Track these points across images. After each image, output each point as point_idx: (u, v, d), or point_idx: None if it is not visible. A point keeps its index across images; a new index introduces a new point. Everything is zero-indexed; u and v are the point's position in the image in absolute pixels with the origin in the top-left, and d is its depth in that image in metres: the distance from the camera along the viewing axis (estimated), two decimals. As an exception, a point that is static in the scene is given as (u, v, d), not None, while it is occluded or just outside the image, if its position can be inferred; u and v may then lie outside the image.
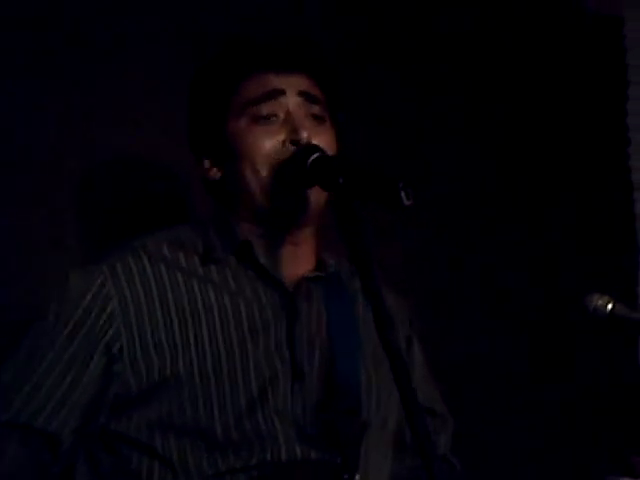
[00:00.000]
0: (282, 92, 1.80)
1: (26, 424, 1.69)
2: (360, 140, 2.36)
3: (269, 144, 1.78)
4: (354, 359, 1.81)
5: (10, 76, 2.13)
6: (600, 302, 1.79)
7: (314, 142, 1.76)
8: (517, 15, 2.76)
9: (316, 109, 1.82)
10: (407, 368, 1.53)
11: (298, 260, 1.83)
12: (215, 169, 1.85)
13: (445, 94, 2.65)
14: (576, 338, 2.67)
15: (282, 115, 1.80)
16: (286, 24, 2.37)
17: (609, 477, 1.76)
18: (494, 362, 2.60)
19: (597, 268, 2.71)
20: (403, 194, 1.51)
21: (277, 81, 1.81)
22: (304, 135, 1.76)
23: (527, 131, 2.77)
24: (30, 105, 2.16)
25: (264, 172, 1.77)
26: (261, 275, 1.80)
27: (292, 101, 1.81)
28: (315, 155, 1.71)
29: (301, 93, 1.81)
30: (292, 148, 1.76)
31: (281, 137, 1.78)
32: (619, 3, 2.86)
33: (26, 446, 1.69)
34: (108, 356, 1.72)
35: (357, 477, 1.74)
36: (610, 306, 1.77)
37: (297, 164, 1.72)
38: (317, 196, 1.76)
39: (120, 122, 2.24)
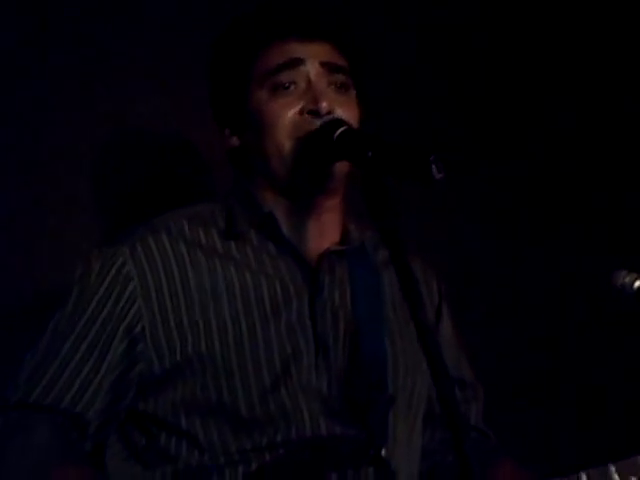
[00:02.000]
0: (302, 61, 1.76)
1: (51, 406, 1.66)
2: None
3: (288, 115, 1.74)
4: (379, 332, 1.78)
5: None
6: (628, 279, 1.75)
7: (336, 112, 1.72)
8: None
9: (340, 77, 1.78)
10: (437, 343, 1.49)
11: (322, 232, 1.79)
12: (235, 138, 1.82)
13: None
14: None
15: (303, 84, 1.76)
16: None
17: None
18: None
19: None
20: (434, 167, 1.47)
21: (298, 49, 1.77)
22: (323, 105, 1.71)
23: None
24: (41, 84, 2.13)
25: (286, 145, 1.73)
26: (283, 250, 1.77)
27: (313, 70, 1.76)
28: (342, 129, 1.66)
29: (323, 63, 1.77)
30: (310, 119, 1.71)
31: (300, 106, 1.73)
32: None
33: (54, 426, 1.66)
34: (130, 336, 1.70)
35: (383, 452, 1.71)
36: (638, 283, 1.74)
37: (323, 138, 1.68)
38: (342, 168, 1.72)
39: (137, 96, 2.22)
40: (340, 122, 1.69)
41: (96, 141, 2.18)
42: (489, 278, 2.59)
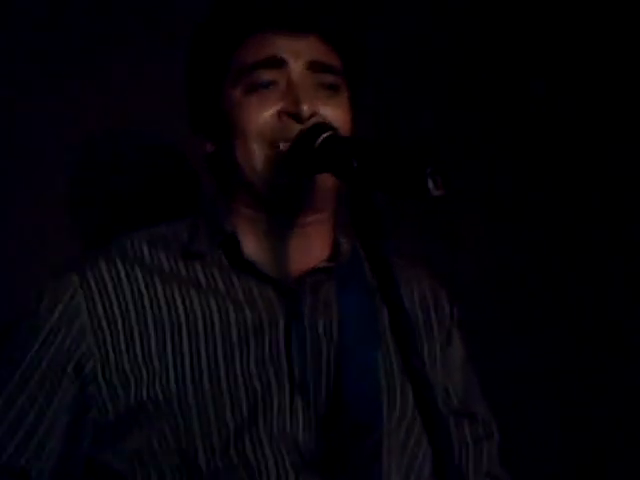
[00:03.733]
0: (284, 61, 1.49)
1: None
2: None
3: (262, 116, 1.47)
4: (371, 363, 1.51)
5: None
6: None
7: (322, 114, 1.47)
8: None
9: (329, 78, 1.51)
10: (428, 380, 1.24)
11: (305, 250, 1.53)
12: (209, 143, 1.57)
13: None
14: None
15: (284, 83, 1.49)
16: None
17: None
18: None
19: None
20: (431, 182, 1.20)
21: (281, 44, 1.50)
22: (305, 107, 1.45)
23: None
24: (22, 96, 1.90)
25: (258, 151, 1.48)
26: (253, 272, 1.52)
27: (297, 69, 1.50)
28: (326, 134, 1.41)
29: (310, 63, 1.50)
30: (290, 122, 1.46)
31: (278, 107, 1.47)
32: None
33: None
34: (80, 377, 1.47)
35: None
36: None
37: (303, 145, 1.42)
38: (326, 180, 1.46)
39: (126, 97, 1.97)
40: (324, 127, 1.43)
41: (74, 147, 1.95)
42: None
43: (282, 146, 1.46)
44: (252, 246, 1.52)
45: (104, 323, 1.47)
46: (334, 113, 1.48)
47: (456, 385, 1.63)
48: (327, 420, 1.46)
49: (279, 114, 1.47)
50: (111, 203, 1.96)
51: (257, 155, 1.47)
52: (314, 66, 1.50)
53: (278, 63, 1.49)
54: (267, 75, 1.48)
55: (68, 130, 1.91)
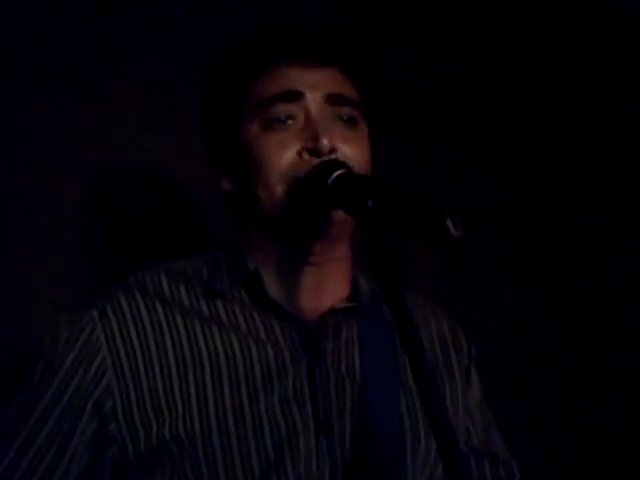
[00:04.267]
0: (301, 94, 1.46)
1: None
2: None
3: (284, 156, 1.44)
4: (394, 405, 1.47)
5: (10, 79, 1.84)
6: None
7: (341, 150, 1.44)
8: (548, 13, 2.46)
9: (347, 110, 1.48)
10: (449, 423, 1.20)
11: (323, 288, 1.50)
12: (227, 180, 1.53)
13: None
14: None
15: (302, 118, 1.46)
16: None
17: None
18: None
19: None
20: (450, 223, 1.18)
21: (298, 77, 1.47)
22: (325, 143, 1.41)
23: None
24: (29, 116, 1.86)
25: (279, 190, 1.44)
26: (275, 310, 1.48)
27: (315, 103, 1.46)
28: (339, 172, 1.38)
29: (327, 95, 1.47)
30: (310, 159, 1.42)
31: (298, 146, 1.44)
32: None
33: None
34: (100, 415, 1.43)
35: None
36: None
37: (317, 182, 1.39)
38: (342, 217, 1.42)
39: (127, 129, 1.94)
40: (337, 164, 1.40)
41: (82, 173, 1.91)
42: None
43: (299, 181, 1.43)
44: (273, 284, 1.49)
45: (124, 360, 1.43)
46: (353, 150, 1.46)
47: (476, 425, 1.61)
48: (352, 461, 1.43)
49: (299, 153, 1.44)
50: (116, 234, 1.93)
51: (278, 191, 1.44)
52: (332, 99, 1.47)
53: (295, 96, 1.46)
54: (284, 109, 1.46)
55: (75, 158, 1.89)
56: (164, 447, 1.40)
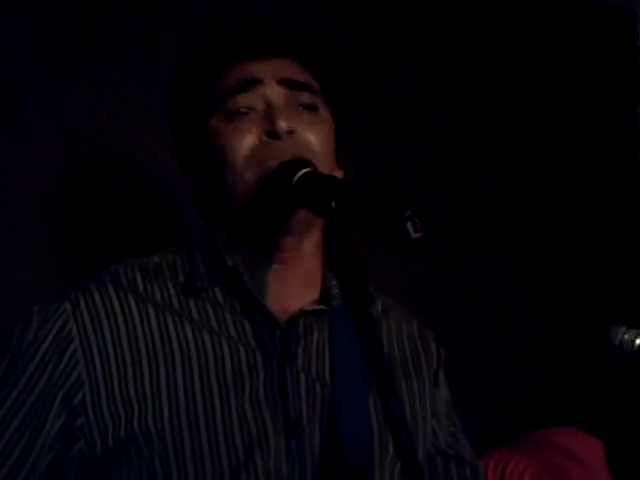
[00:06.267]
0: (258, 81, 1.48)
1: None
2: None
3: (244, 141, 1.45)
4: (363, 408, 1.46)
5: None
6: (627, 336, 1.50)
7: (299, 134, 1.45)
8: (525, 7, 2.45)
9: (305, 96, 1.49)
10: (406, 422, 1.26)
11: (292, 289, 1.50)
12: (198, 180, 1.54)
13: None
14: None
15: (261, 107, 1.47)
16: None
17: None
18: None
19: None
20: (410, 226, 1.17)
21: (254, 69, 1.49)
22: (281, 125, 1.42)
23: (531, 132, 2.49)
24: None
25: (245, 175, 1.44)
26: (249, 309, 1.47)
27: (272, 90, 1.48)
28: (302, 172, 1.37)
29: (283, 81, 1.49)
30: (270, 142, 1.43)
31: (258, 131, 1.45)
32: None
33: None
34: (69, 409, 1.41)
35: None
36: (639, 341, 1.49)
37: (281, 181, 1.39)
38: (307, 216, 1.42)
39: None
40: (301, 163, 1.40)
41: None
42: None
43: (271, 162, 1.43)
44: (248, 282, 1.48)
45: (95, 352, 1.42)
46: (314, 135, 1.46)
47: (443, 428, 1.61)
48: (322, 462, 1.42)
49: (259, 137, 1.45)
50: (89, 226, 1.92)
51: (248, 177, 1.44)
52: (288, 83, 1.49)
53: (253, 83, 1.47)
54: (244, 100, 1.47)
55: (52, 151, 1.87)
56: (133, 441, 1.39)
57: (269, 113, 1.46)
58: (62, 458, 1.42)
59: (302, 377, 1.45)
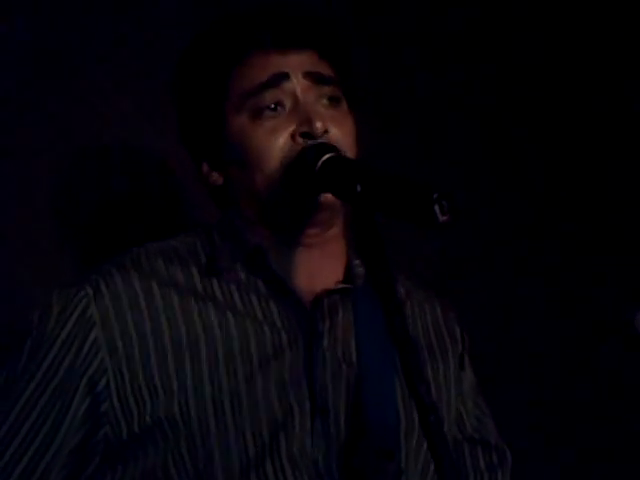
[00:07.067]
0: (285, 76, 1.45)
1: None
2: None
3: (277, 141, 1.42)
4: (389, 390, 1.45)
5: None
6: None
7: (332, 131, 1.42)
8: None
9: (329, 90, 1.47)
10: (435, 406, 1.22)
11: (317, 270, 1.48)
12: (216, 174, 1.51)
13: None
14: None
15: (289, 103, 1.44)
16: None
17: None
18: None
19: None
20: (437, 208, 1.16)
21: (279, 62, 1.46)
22: (318, 125, 1.40)
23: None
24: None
25: (276, 176, 1.42)
26: (274, 289, 1.46)
27: (299, 85, 1.45)
28: (326, 156, 1.36)
29: (308, 74, 1.46)
30: (304, 142, 1.41)
31: (290, 130, 1.42)
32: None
33: None
34: (93, 394, 1.41)
35: None
36: None
37: (306, 166, 1.37)
38: (332, 200, 1.40)
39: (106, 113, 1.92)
40: (325, 147, 1.38)
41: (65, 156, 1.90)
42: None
43: (288, 166, 1.41)
44: (272, 263, 1.47)
45: (118, 337, 1.41)
46: (342, 130, 1.44)
47: (469, 412, 1.61)
48: (348, 443, 1.42)
49: (292, 136, 1.42)
50: (99, 213, 1.93)
51: (276, 177, 1.42)
52: (314, 77, 1.46)
53: (281, 79, 1.45)
54: (272, 96, 1.44)
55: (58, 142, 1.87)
56: (158, 427, 1.38)
57: (301, 110, 1.43)
58: (86, 443, 1.41)
59: (328, 357, 1.44)
